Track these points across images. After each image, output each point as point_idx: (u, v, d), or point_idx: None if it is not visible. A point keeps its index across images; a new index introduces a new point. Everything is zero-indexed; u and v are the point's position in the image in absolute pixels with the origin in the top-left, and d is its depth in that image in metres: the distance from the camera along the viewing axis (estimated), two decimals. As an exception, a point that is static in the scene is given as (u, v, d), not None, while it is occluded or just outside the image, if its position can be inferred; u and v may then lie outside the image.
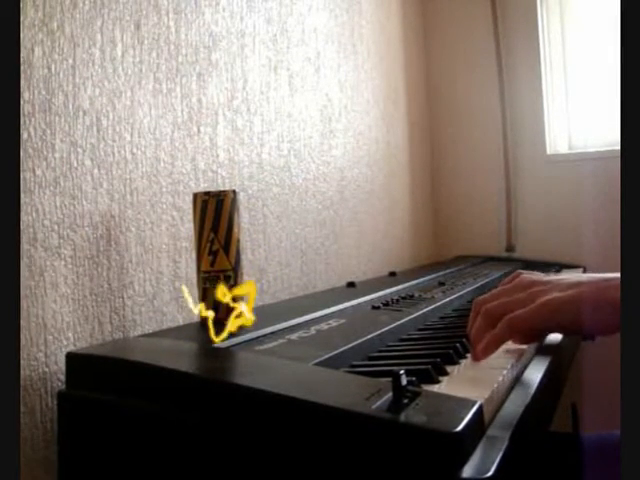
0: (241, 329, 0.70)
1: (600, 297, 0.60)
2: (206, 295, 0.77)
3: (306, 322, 0.78)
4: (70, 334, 0.72)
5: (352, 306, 0.91)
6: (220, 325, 0.67)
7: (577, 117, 1.87)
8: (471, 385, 0.58)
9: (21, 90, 0.68)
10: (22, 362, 0.66)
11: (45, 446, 0.68)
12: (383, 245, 1.60)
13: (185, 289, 0.71)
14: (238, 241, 0.79)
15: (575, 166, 1.80)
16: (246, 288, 0.72)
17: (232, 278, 0.77)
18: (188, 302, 0.70)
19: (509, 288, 0.68)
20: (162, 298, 0.86)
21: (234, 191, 0.79)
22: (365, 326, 0.78)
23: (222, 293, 0.70)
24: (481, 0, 1.92)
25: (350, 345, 0.68)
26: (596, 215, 1.74)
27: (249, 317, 0.69)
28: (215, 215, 0.77)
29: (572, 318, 0.61)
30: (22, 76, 0.68)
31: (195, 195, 0.79)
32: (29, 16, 0.69)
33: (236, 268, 0.78)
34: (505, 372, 0.61)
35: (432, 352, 0.68)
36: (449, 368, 0.63)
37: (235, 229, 0.78)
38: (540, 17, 1.86)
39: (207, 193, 0.78)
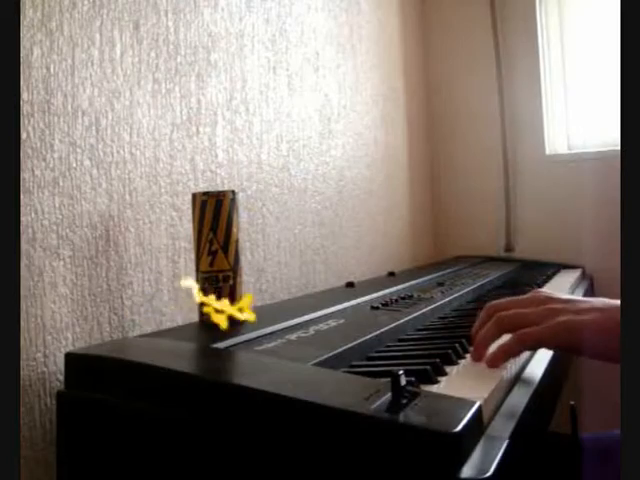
0: (240, 327, 0.70)
1: (615, 326, 0.60)
2: (205, 295, 0.77)
3: (305, 322, 0.78)
4: (69, 334, 0.72)
5: (351, 306, 0.91)
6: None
7: (576, 117, 1.88)
8: (470, 385, 0.58)
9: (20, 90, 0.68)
10: (21, 362, 0.66)
11: (44, 446, 0.68)
12: (382, 245, 1.60)
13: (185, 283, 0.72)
14: (237, 241, 0.79)
15: (574, 166, 1.80)
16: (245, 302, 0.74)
17: (231, 278, 0.77)
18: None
19: (524, 300, 0.68)
20: (161, 298, 0.86)
21: (233, 191, 0.79)
22: (364, 326, 0.78)
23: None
24: (480, 1, 1.92)
25: (349, 345, 0.68)
26: (595, 215, 1.74)
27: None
28: (214, 215, 0.77)
29: (584, 343, 0.61)
30: (21, 76, 0.68)
31: (194, 195, 0.79)
32: (28, 16, 0.69)
33: (235, 268, 0.78)
34: (504, 372, 0.61)
35: (431, 352, 0.68)
36: (448, 368, 0.63)
37: (234, 229, 0.78)
38: (539, 17, 1.86)
39: (206, 193, 0.78)
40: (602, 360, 0.61)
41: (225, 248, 0.77)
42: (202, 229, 0.77)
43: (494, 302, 0.70)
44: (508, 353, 0.63)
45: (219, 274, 0.77)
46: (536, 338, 0.63)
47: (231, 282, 0.77)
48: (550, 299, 0.67)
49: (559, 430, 0.85)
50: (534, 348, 0.66)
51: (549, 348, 0.67)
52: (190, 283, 0.74)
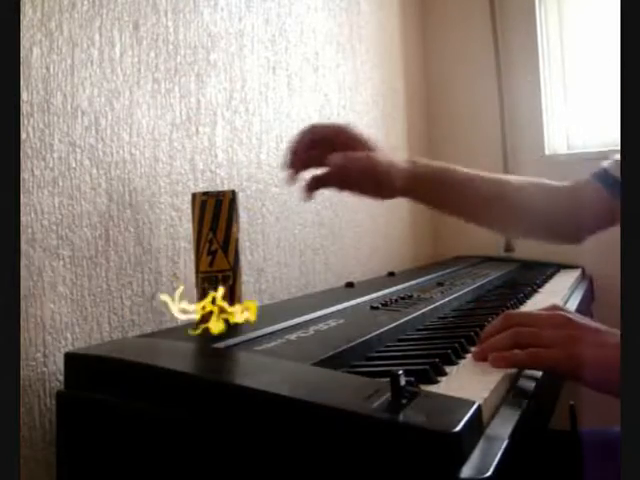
0: (239, 328, 0.70)
1: None
2: (204, 295, 0.77)
3: (305, 322, 0.78)
4: (68, 334, 0.72)
5: (351, 306, 0.91)
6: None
7: (575, 117, 1.88)
8: (470, 385, 0.58)
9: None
10: (21, 362, 0.66)
11: (44, 446, 0.68)
12: (382, 245, 1.60)
13: (169, 298, 0.68)
14: (237, 241, 0.78)
15: (574, 166, 1.80)
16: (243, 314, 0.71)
17: (230, 278, 0.77)
18: (172, 309, 0.67)
19: (544, 318, 0.67)
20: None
21: (233, 191, 0.79)
22: (364, 326, 0.78)
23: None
24: (480, 1, 1.92)
25: (349, 345, 0.68)
26: (595, 215, 1.74)
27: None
28: (214, 215, 0.77)
29: (596, 377, 0.61)
30: (21, 76, 0.68)
31: (194, 195, 0.79)
32: (27, 16, 0.69)
33: (235, 268, 0.78)
34: (504, 372, 0.61)
35: (431, 352, 0.68)
36: (448, 368, 0.63)
37: (234, 229, 0.78)
38: (538, 17, 1.86)
39: (206, 193, 0.78)
40: (611, 396, 0.60)
41: (225, 248, 0.77)
42: (202, 229, 0.77)
43: (514, 312, 0.70)
44: (515, 363, 0.63)
45: (219, 274, 0.77)
46: (548, 362, 0.62)
47: (230, 282, 0.77)
48: (569, 322, 0.65)
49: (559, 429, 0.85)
50: (542, 370, 0.66)
51: (558, 374, 0.66)
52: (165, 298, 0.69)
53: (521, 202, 0.99)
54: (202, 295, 0.77)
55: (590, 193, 0.99)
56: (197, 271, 0.78)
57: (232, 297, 0.77)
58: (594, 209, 0.98)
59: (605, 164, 0.99)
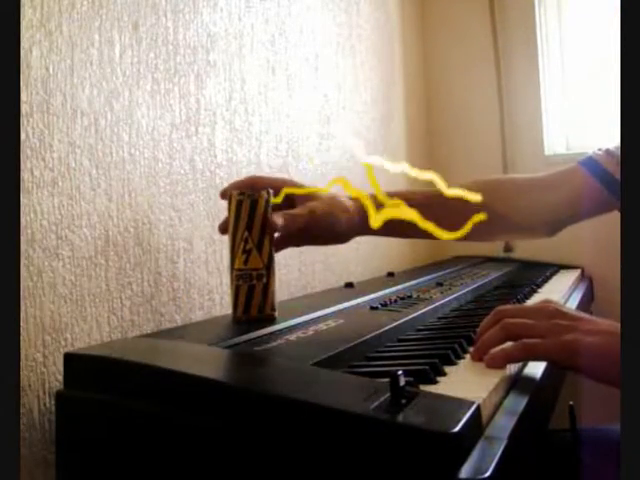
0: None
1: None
2: (238, 292, 0.78)
3: (304, 322, 0.78)
4: (68, 335, 0.72)
5: (350, 306, 0.91)
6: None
7: (575, 117, 1.88)
8: (469, 385, 0.58)
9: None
10: (20, 362, 0.66)
11: (43, 447, 0.68)
12: (381, 245, 1.60)
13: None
14: (272, 241, 0.79)
15: (573, 166, 1.80)
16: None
17: (264, 277, 0.78)
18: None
19: (533, 310, 0.68)
20: (160, 299, 0.86)
21: (268, 191, 0.79)
22: (363, 326, 0.78)
23: None
24: (479, 1, 1.92)
25: (348, 345, 0.68)
26: (594, 215, 1.74)
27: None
28: (249, 215, 0.78)
29: (589, 365, 0.61)
30: (20, 77, 0.68)
31: (230, 195, 0.79)
32: (27, 16, 0.69)
33: (268, 266, 0.78)
34: (503, 372, 0.61)
35: (430, 353, 0.68)
36: (447, 369, 0.63)
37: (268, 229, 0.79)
38: (538, 17, 1.86)
39: (242, 193, 0.78)
40: (604, 384, 0.60)
41: (259, 247, 0.78)
42: (237, 228, 0.78)
43: (503, 307, 0.70)
44: (509, 358, 0.63)
45: (253, 272, 0.77)
46: (541, 352, 0.62)
47: (264, 280, 0.78)
48: (559, 313, 0.66)
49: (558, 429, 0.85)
50: (536, 360, 0.66)
51: (551, 364, 0.67)
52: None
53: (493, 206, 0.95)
54: (236, 292, 0.78)
55: (577, 182, 0.97)
56: (232, 269, 0.79)
57: (265, 294, 0.78)
58: (582, 198, 0.96)
59: (592, 154, 0.98)
